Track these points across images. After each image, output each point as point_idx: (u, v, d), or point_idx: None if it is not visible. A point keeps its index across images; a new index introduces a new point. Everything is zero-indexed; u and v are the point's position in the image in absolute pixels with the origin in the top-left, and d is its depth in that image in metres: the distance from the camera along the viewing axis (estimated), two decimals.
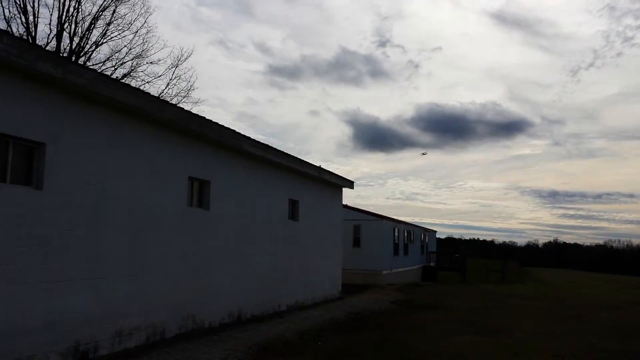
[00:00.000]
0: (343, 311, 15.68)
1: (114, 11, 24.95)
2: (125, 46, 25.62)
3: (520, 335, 12.45)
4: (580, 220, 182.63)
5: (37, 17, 23.31)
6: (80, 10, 24.17)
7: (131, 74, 26.05)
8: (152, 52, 33.52)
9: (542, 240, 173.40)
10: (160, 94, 26.79)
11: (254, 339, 10.52)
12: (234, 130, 11.63)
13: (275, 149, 13.65)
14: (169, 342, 9.61)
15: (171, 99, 27.03)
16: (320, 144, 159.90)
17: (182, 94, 27.45)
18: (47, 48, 23.39)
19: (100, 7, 24.52)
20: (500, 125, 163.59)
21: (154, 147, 9.52)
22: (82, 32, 24.61)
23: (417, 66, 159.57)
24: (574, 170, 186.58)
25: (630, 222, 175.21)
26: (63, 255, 7.57)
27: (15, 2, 22.66)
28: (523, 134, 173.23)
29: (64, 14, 23.84)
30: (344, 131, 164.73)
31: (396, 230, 30.24)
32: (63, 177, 7.55)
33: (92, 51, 25.23)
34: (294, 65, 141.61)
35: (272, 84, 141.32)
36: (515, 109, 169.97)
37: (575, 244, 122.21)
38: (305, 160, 15.78)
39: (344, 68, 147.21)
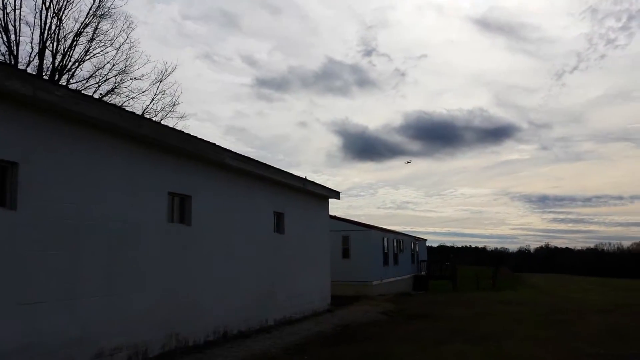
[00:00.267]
0: (331, 324, 15.54)
1: (96, 27, 24.93)
2: (108, 62, 25.56)
3: (509, 342, 12.38)
4: (570, 224, 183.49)
5: (19, 36, 23.22)
6: (61, 27, 24.13)
7: (115, 90, 26.00)
8: (136, 67, 33.41)
9: (533, 245, 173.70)
10: (144, 109, 26.74)
11: (238, 355, 10.37)
12: (214, 144, 11.55)
13: (257, 162, 13.57)
14: None
15: (156, 114, 26.99)
16: (310, 155, 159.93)
17: (167, 109, 27.41)
18: (29, 66, 23.32)
19: (82, 23, 24.50)
20: (488, 131, 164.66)
21: (131, 163, 9.40)
22: (64, 49, 24.56)
23: (403, 74, 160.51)
24: (562, 174, 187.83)
25: (620, 224, 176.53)
26: (38, 275, 7.42)
27: None
28: (511, 139, 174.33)
29: (46, 31, 23.78)
30: (333, 141, 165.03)
31: (385, 239, 30.17)
32: (37, 196, 7.42)
33: (75, 68, 25.16)
34: (281, 77, 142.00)
35: (260, 96, 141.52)
36: (502, 115, 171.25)
37: (567, 248, 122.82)
38: (288, 171, 15.73)
39: (330, 78, 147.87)
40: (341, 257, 26.57)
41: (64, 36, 24.23)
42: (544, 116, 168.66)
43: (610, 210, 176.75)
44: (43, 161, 7.54)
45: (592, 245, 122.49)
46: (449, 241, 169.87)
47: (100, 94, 25.43)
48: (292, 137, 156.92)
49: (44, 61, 23.94)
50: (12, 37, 23.11)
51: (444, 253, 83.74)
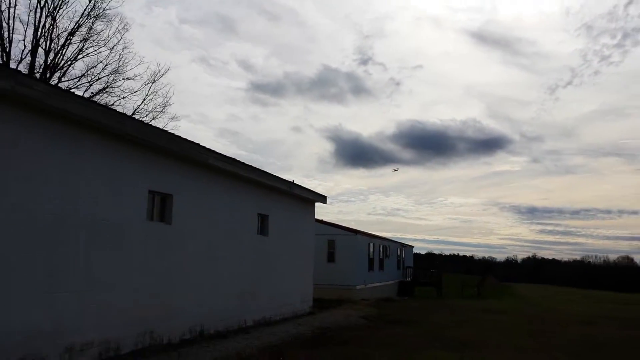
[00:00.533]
0: (311, 326, 15.53)
1: (91, 27, 24.85)
2: (101, 62, 25.46)
3: (487, 350, 12.43)
4: (558, 236, 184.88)
5: (12, 33, 23.12)
6: (55, 26, 24.03)
7: (106, 89, 25.91)
8: (129, 68, 33.29)
9: (521, 255, 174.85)
10: (136, 109, 26.65)
11: (212, 355, 10.34)
12: (198, 144, 11.54)
13: (242, 163, 13.57)
14: (123, 358, 9.40)
15: (147, 115, 26.91)
16: (303, 160, 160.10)
17: (158, 110, 27.32)
18: (21, 63, 23.22)
19: (76, 23, 24.42)
20: (480, 142, 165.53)
21: (112, 160, 9.38)
22: (57, 48, 24.46)
23: (398, 84, 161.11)
24: (552, 187, 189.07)
25: (607, 237, 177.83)
26: (10, 269, 7.39)
27: None
28: (502, 151, 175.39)
29: (40, 30, 23.68)
30: (326, 147, 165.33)
31: (371, 245, 30.23)
32: (14, 191, 7.40)
33: (68, 67, 25.05)
34: (277, 82, 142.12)
35: (255, 100, 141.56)
36: (495, 126, 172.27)
37: (554, 260, 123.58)
38: (274, 174, 15.73)
39: (326, 85, 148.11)
40: (326, 260, 26.59)
41: (58, 35, 24.16)
42: (536, 129, 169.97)
43: (598, 223, 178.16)
44: (22, 157, 7.52)
45: (578, 257, 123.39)
46: (437, 249, 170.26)
47: (92, 92, 25.36)
48: (286, 142, 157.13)
49: (37, 59, 23.85)
50: (5, 34, 23.04)
51: (432, 260, 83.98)
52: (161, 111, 27.40)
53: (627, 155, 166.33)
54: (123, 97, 26.04)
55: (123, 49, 26.78)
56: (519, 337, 14.91)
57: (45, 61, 23.95)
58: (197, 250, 12.02)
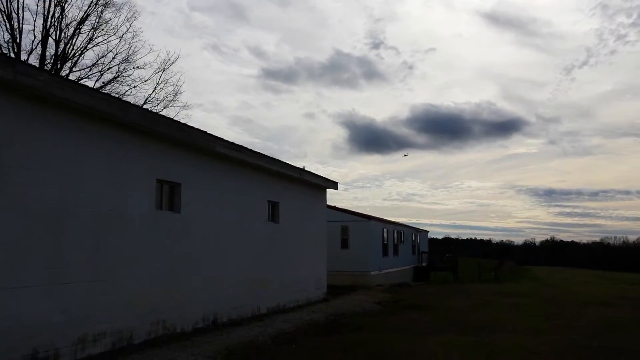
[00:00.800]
0: (325, 313, 15.51)
1: (100, 16, 24.85)
2: (110, 51, 25.46)
3: (502, 333, 12.28)
4: (576, 218, 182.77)
5: (22, 24, 23.21)
6: (64, 15, 24.07)
7: (117, 79, 25.95)
8: (139, 56, 33.31)
9: (539, 238, 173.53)
10: (147, 98, 26.69)
11: (225, 343, 10.34)
12: (205, 132, 11.48)
13: (251, 150, 13.49)
14: (136, 347, 9.42)
15: (158, 103, 26.93)
16: (317, 147, 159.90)
17: (170, 98, 27.33)
18: (32, 54, 23.34)
19: (85, 12, 24.42)
20: (496, 124, 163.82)
21: (118, 149, 9.35)
22: (67, 38, 24.51)
23: (411, 67, 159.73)
24: (569, 169, 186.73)
25: (627, 218, 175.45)
26: (19, 260, 7.41)
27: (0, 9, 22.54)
28: (519, 133, 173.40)
29: (49, 19, 23.73)
30: (340, 133, 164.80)
31: (385, 230, 30.09)
32: (17, 181, 7.38)
33: (79, 57, 25.11)
34: (289, 68, 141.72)
35: (267, 87, 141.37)
36: (510, 108, 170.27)
37: (572, 242, 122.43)
38: (284, 161, 15.64)
39: (338, 70, 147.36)
40: (340, 247, 26.52)
41: (67, 25, 24.19)
42: (552, 110, 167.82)
43: (617, 204, 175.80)
44: (23, 146, 7.49)
45: (597, 239, 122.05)
46: (454, 233, 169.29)
47: (103, 82, 25.46)
48: (299, 129, 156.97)
49: (47, 49, 23.93)
50: (15, 24, 23.13)
51: (446, 245, 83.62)
52: (172, 99, 27.42)
53: None
54: (134, 87, 26.12)
55: (132, 37, 26.88)
56: (535, 320, 14.73)
57: (56, 51, 24.03)
58: (207, 238, 12.00)
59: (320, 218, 19.47)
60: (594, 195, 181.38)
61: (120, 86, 25.76)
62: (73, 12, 26.81)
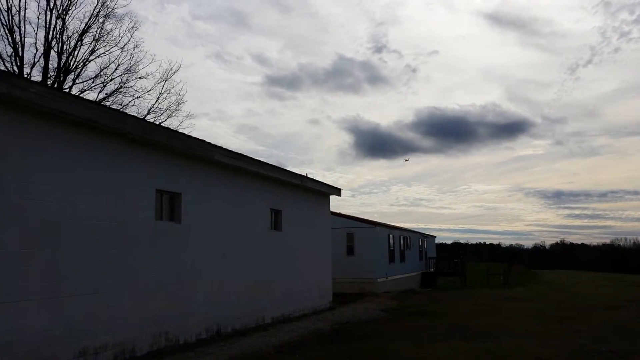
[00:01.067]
0: (330, 321, 15.40)
1: (101, 28, 24.99)
2: (112, 62, 25.58)
3: (508, 339, 12.14)
4: (586, 220, 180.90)
5: (24, 37, 23.37)
6: (65, 28, 24.24)
7: (120, 89, 26.06)
8: (141, 67, 33.48)
9: (548, 241, 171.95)
10: (150, 108, 26.77)
11: (228, 354, 10.27)
12: (203, 141, 11.46)
13: (251, 158, 13.46)
14: (138, 359, 9.38)
15: (161, 113, 27.01)
16: (322, 153, 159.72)
17: (173, 108, 27.39)
18: (35, 67, 23.50)
19: (86, 24, 24.59)
20: (501, 126, 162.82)
21: (116, 160, 9.34)
22: (69, 50, 24.68)
23: (414, 70, 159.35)
24: (577, 169, 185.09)
25: (637, 219, 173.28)
26: (19, 274, 7.39)
27: (1, 22, 22.76)
28: (525, 135, 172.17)
29: (51, 32, 23.90)
30: (345, 139, 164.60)
31: (391, 236, 29.93)
32: (13, 194, 7.38)
33: (81, 69, 25.25)
34: (292, 74, 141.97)
35: (271, 94, 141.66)
36: (515, 110, 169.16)
37: (582, 244, 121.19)
38: (286, 168, 15.62)
39: (341, 75, 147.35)
40: (346, 254, 26.39)
41: (69, 37, 24.34)
42: (558, 111, 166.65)
43: (627, 205, 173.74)
44: (19, 158, 7.49)
45: (608, 241, 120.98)
46: (463, 238, 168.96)
47: (106, 93, 25.55)
48: (304, 135, 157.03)
49: (50, 62, 24.10)
50: (17, 38, 23.32)
51: (455, 250, 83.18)
52: (175, 109, 27.46)
53: None
54: (137, 97, 26.16)
55: (134, 47, 26.92)
56: (542, 325, 14.57)
57: (59, 64, 24.15)
58: (209, 248, 11.95)
59: (324, 225, 19.38)
60: (603, 196, 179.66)
61: (124, 97, 25.86)
62: (74, 24, 26.80)
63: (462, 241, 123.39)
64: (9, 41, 22.99)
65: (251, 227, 13.96)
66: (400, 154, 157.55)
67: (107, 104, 25.19)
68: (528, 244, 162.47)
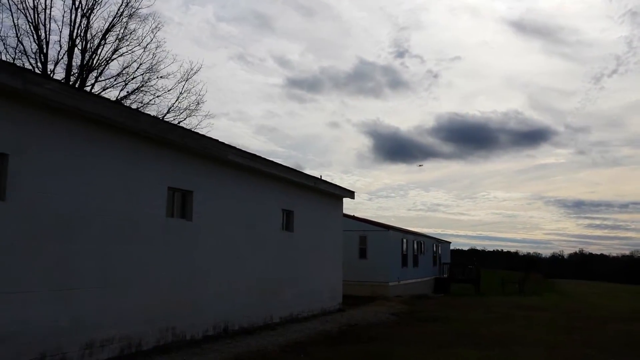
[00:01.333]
0: (339, 323, 15.40)
1: (125, 27, 25.36)
2: (135, 61, 25.93)
3: (518, 347, 12.03)
4: (606, 231, 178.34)
5: (49, 34, 23.83)
6: (90, 26, 24.65)
7: (141, 88, 26.41)
8: (162, 66, 33.86)
9: (567, 251, 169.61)
10: (170, 107, 27.10)
11: (234, 351, 10.34)
12: (217, 140, 11.58)
13: (264, 159, 13.55)
14: (145, 354, 9.49)
15: (181, 112, 27.31)
16: (341, 156, 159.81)
17: (192, 107, 27.66)
18: (59, 64, 23.96)
19: (110, 23, 24.98)
20: (523, 134, 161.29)
21: (128, 157, 9.48)
22: (93, 48, 25.09)
23: (436, 76, 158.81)
24: (599, 179, 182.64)
25: None
26: (27, 266, 7.54)
27: (27, 19, 23.24)
28: (547, 143, 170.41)
29: (75, 30, 24.33)
30: (364, 143, 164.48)
31: (404, 241, 29.81)
32: (27, 188, 7.55)
33: (104, 67, 25.64)
34: (313, 77, 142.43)
35: (292, 96, 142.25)
36: (537, 118, 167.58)
37: (602, 255, 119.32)
38: (299, 170, 15.69)
39: (362, 79, 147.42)
40: (358, 257, 26.37)
41: (92, 35, 24.75)
42: (581, 120, 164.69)
43: None
44: (34, 153, 7.66)
45: (628, 252, 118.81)
46: (480, 245, 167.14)
47: (127, 91, 25.92)
48: (323, 138, 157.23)
49: (73, 59, 24.53)
50: (42, 35, 23.78)
51: (472, 256, 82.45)
52: (195, 109, 27.72)
53: None
54: (158, 96, 26.50)
55: (156, 47, 27.27)
56: (553, 334, 14.39)
57: (82, 61, 24.56)
58: (219, 246, 12.06)
59: (336, 227, 19.41)
60: (624, 207, 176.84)
61: (145, 96, 26.22)
62: (99, 23, 27.27)
63: (479, 248, 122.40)
64: (34, 38, 23.47)
65: (263, 227, 14.05)
66: (420, 158, 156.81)
67: (128, 102, 25.61)
68: (546, 252, 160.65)
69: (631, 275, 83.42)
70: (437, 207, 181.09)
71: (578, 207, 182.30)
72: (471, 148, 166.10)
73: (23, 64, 22.88)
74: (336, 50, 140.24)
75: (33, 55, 23.49)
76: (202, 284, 11.40)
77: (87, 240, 8.54)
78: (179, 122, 26.42)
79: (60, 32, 24.18)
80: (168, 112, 26.94)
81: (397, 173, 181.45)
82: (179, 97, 27.35)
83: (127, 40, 25.47)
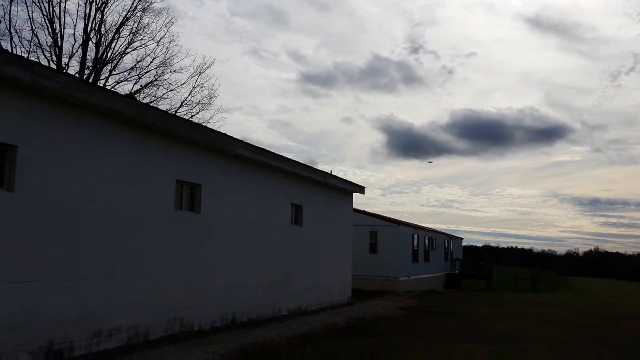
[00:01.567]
0: (346, 317, 15.46)
1: (139, 21, 25.55)
2: (148, 55, 26.14)
3: (525, 344, 11.98)
4: (622, 229, 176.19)
5: (64, 28, 24.10)
6: (104, 20, 24.88)
7: (155, 82, 26.63)
8: (176, 60, 34.09)
9: (582, 248, 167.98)
10: (183, 101, 27.32)
11: (241, 343, 10.44)
12: (225, 134, 11.65)
13: (272, 153, 13.60)
14: (152, 343, 9.62)
15: (194, 106, 27.51)
16: (354, 151, 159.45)
17: (205, 101, 27.84)
18: (73, 57, 24.23)
19: (124, 17, 25.18)
20: (539, 131, 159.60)
21: (137, 150, 9.58)
22: (107, 41, 25.32)
23: (451, 72, 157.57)
24: (615, 177, 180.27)
25: None
26: (36, 256, 7.67)
27: (42, 12, 23.52)
28: (563, 140, 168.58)
29: (90, 24, 24.58)
30: (378, 138, 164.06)
31: (415, 236, 29.76)
32: (36, 179, 7.66)
33: (118, 60, 25.86)
34: (327, 72, 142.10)
35: (305, 91, 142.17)
36: (554, 115, 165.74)
37: (617, 253, 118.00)
38: (308, 164, 15.72)
39: (376, 75, 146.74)
40: (368, 251, 26.39)
41: (107, 29, 24.97)
42: (598, 117, 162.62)
43: None
44: (43, 145, 7.77)
45: None
46: (494, 241, 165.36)
47: (141, 85, 26.17)
48: (337, 133, 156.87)
49: (87, 52, 24.78)
50: (57, 28, 24.05)
51: (482, 253, 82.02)
52: (207, 103, 27.91)
53: None
54: (171, 90, 26.73)
55: (170, 41, 27.49)
56: (562, 331, 14.30)
57: (96, 55, 24.83)
58: (227, 239, 12.15)
59: (346, 222, 19.43)
60: None
61: (158, 89, 26.45)
62: (113, 17, 27.53)
63: (492, 245, 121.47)
64: (49, 31, 23.79)
65: (271, 221, 14.12)
66: (433, 155, 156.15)
67: (142, 95, 25.85)
68: (561, 250, 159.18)
69: None
70: (451, 203, 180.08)
71: (594, 204, 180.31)
72: (486, 145, 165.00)
73: (38, 57, 23.21)
74: (350, 45, 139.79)
75: (48, 49, 23.85)
76: (210, 276, 11.50)
77: (95, 231, 8.66)
78: (191, 116, 26.65)
79: (75, 25, 24.51)
80: (181, 105, 27.20)
81: (410, 169, 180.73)
82: (191, 91, 27.62)
83: (140, 34, 25.75)
